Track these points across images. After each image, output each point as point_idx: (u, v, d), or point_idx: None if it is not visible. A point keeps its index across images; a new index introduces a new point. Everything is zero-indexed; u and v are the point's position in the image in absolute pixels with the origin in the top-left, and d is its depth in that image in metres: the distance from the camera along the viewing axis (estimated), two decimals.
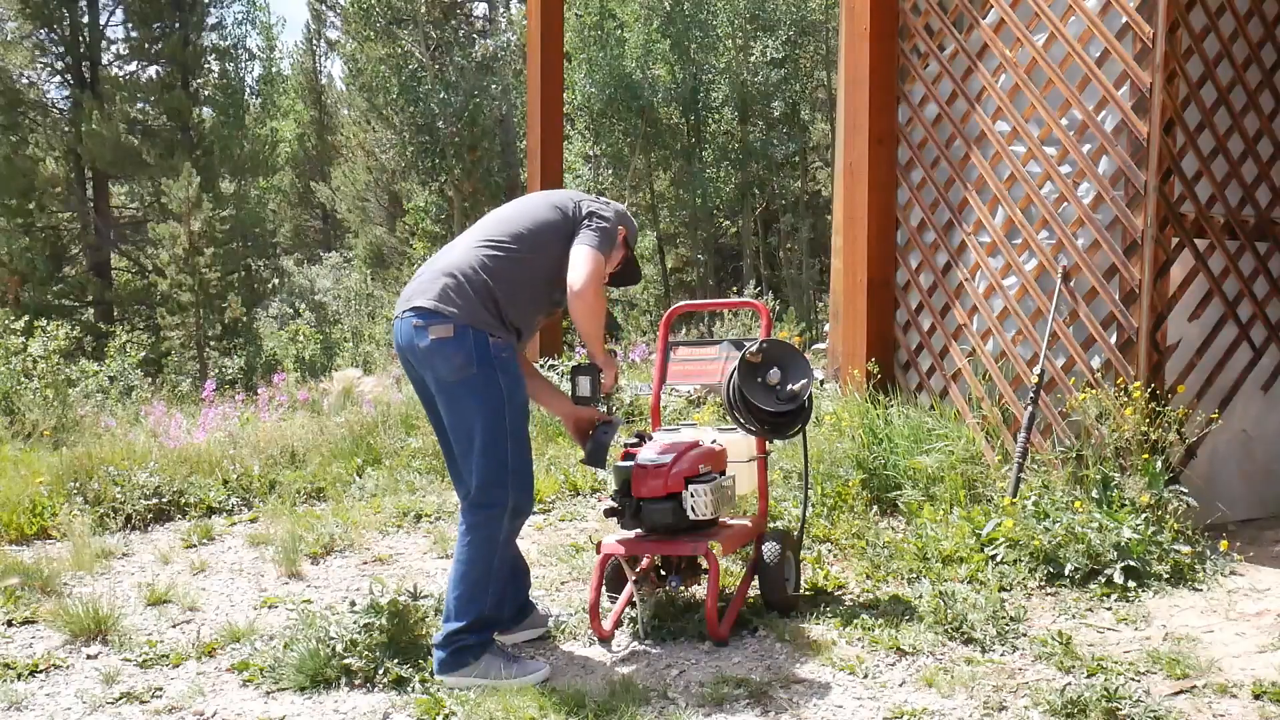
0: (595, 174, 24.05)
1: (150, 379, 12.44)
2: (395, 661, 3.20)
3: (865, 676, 3.12)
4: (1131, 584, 3.74)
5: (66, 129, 22.83)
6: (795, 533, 3.83)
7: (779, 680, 3.10)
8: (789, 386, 3.45)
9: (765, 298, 14.92)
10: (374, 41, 22.97)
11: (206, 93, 24.63)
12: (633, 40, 23.49)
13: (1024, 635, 3.38)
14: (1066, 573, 3.81)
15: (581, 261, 3.24)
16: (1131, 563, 3.79)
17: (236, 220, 22.11)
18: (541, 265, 3.28)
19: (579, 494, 5.24)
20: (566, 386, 3.83)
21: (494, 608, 3.19)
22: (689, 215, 24.98)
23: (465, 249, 3.28)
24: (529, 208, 3.41)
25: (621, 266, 3.53)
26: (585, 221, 3.33)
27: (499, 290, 3.19)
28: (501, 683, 3.07)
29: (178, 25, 23.59)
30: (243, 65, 26.87)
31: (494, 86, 22.49)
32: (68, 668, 3.46)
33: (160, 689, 3.23)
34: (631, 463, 3.43)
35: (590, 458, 3.46)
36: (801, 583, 3.79)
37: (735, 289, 16.13)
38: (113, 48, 24.29)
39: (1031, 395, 4.45)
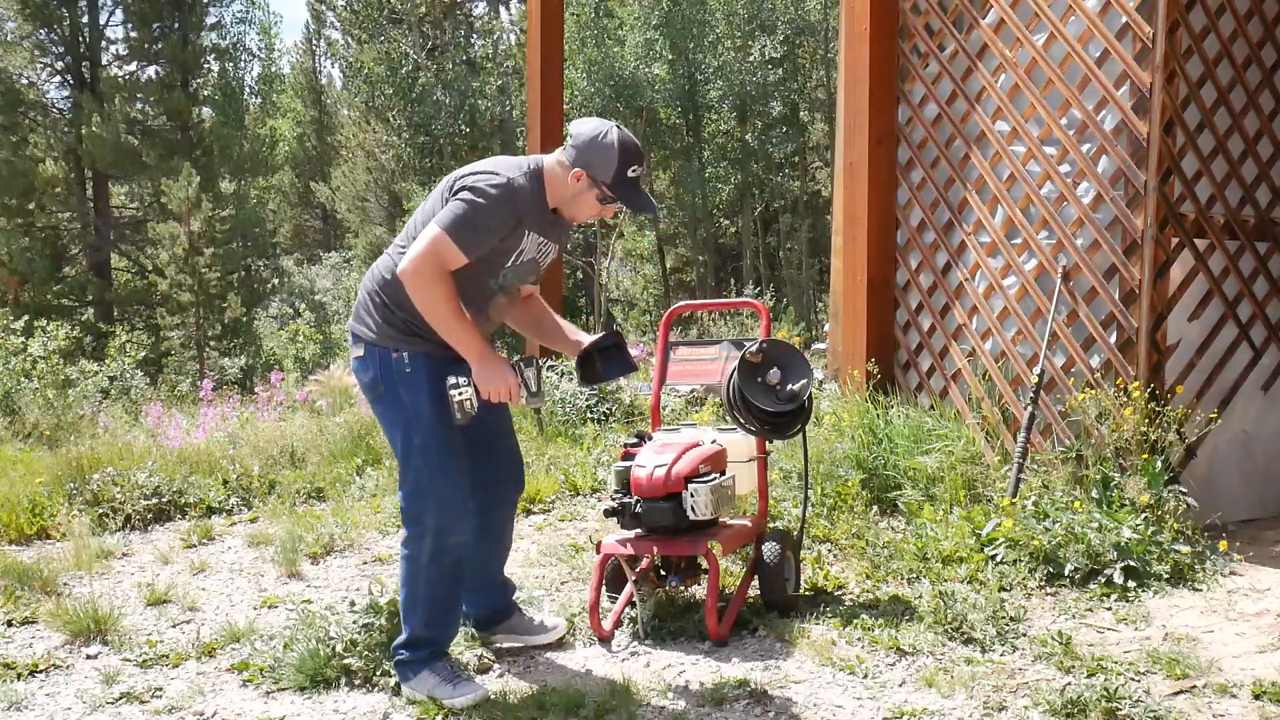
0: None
1: (150, 379, 12.44)
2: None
3: (865, 676, 3.12)
4: (1131, 584, 3.74)
5: (66, 129, 22.84)
6: (795, 533, 3.83)
7: (779, 680, 3.10)
8: (789, 386, 3.44)
9: (765, 298, 14.92)
10: (370, 42, 22.97)
11: (206, 93, 24.63)
12: (631, 40, 23.49)
13: (1024, 635, 3.38)
14: (1066, 573, 3.81)
15: (415, 244, 2.90)
16: (1131, 563, 3.79)
17: (236, 220, 22.11)
18: None
19: (579, 494, 5.24)
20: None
21: (425, 628, 3.07)
22: (688, 215, 24.99)
23: (383, 255, 3.15)
24: (430, 198, 3.10)
25: (617, 198, 3.04)
26: (450, 198, 2.95)
27: (390, 298, 3.02)
28: (435, 699, 3.02)
29: (177, 25, 23.59)
30: (242, 65, 26.91)
31: (492, 86, 22.49)
32: (68, 668, 3.46)
33: (160, 689, 3.23)
34: (631, 463, 3.44)
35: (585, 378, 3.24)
36: (801, 583, 3.79)
37: (735, 289, 16.13)
38: (113, 48, 24.31)
39: (1031, 395, 4.45)
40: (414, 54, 22.06)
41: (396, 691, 3.11)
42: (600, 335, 3.27)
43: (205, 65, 24.63)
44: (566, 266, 12.96)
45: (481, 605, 3.44)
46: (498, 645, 3.44)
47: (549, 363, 6.65)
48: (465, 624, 3.44)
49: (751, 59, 23.49)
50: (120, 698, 3.18)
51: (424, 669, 3.07)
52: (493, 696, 3.04)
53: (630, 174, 3.02)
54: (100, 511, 5.24)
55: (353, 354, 3.10)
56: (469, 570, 3.25)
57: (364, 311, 3.09)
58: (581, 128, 3.05)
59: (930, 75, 5.31)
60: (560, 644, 3.45)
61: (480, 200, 2.90)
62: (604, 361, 3.22)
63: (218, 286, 20.30)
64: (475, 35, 23.69)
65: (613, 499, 3.46)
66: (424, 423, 2.99)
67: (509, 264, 3.06)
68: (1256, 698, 2.90)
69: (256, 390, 8.06)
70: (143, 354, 13.50)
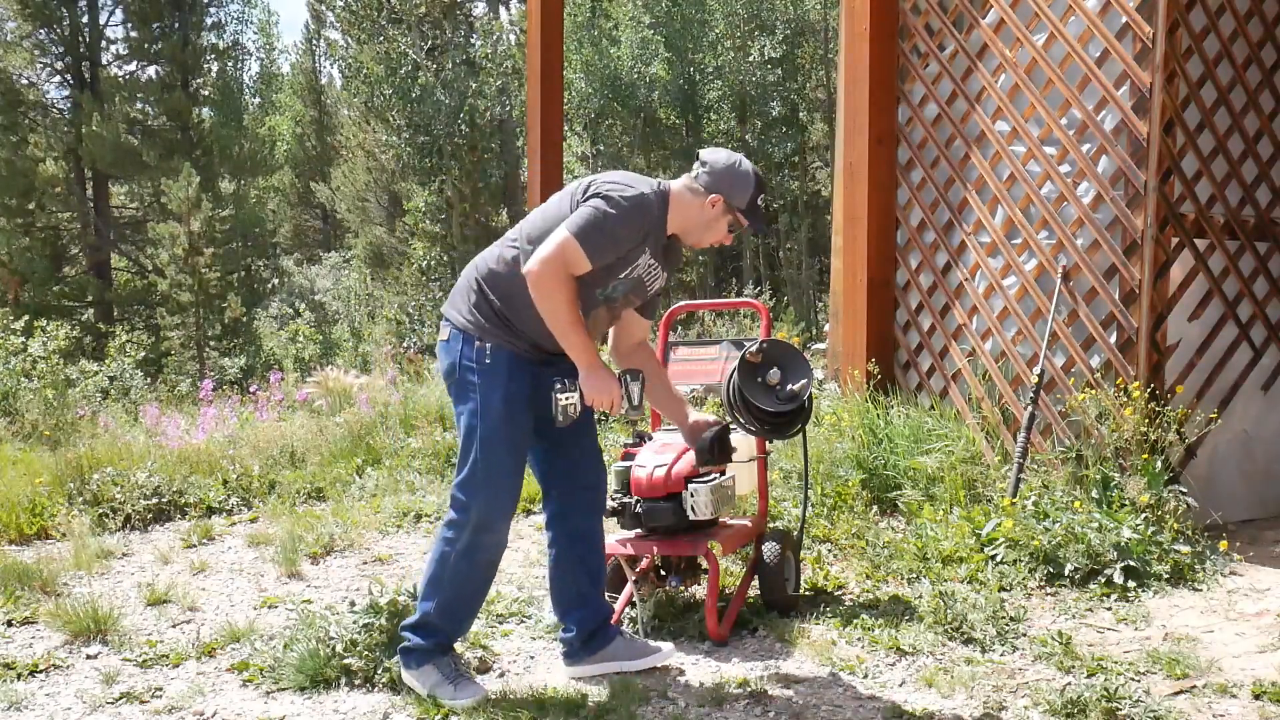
0: (592, 175, 24.00)
1: (149, 379, 12.44)
2: (395, 661, 3.19)
3: (865, 676, 3.12)
4: (1131, 584, 3.74)
5: (66, 129, 22.84)
6: (795, 533, 3.83)
7: (779, 680, 3.10)
8: (789, 386, 3.44)
9: (765, 298, 14.92)
10: (369, 42, 22.97)
11: (206, 93, 24.63)
12: (627, 40, 23.49)
13: (1024, 635, 3.38)
14: (1066, 573, 3.81)
15: (544, 245, 2.90)
16: (1131, 563, 3.79)
17: (236, 220, 22.12)
18: None
19: None
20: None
21: (439, 615, 3.02)
22: None
23: (492, 246, 3.13)
24: (554, 199, 3.10)
25: (749, 223, 3.09)
26: (582, 203, 2.96)
27: (490, 289, 3.02)
28: (435, 696, 2.98)
29: (177, 25, 23.60)
30: (240, 64, 26.92)
31: (492, 86, 22.48)
32: (68, 668, 3.45)
33: (160, 689, 3.23)
34: (631, 463, 3.44)
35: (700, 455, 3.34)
36: (801, 583, 3.79)
37: (735, 289, 16.11)
38: (112, 48, 24.32)
39: (1031, 395, 4.45)
40: (413, 54, 22.05)
41: (396, 691, 3.11)
42: (715, 425, 3.38)
43: (205, 65, 24.64)
44: None
45: (586, 621, 3.21)
46: (597, 674, 3.21)
47: None
48: (560, 648, 3.29)
49: (751, 59, 23.48)
50: (120, 698, 3.18)
51: (428, 662, 3.03)
52: (492, 698, 3.03)
53: (760, 201, 3.10)
54: (100, 511, 5.24)
55: (440, 336, 3.10)
56: (565, 589, 3.22)
57: (459, 297, 3.07)
58: (715, 156, 3.11)
59: (930, 75, 5.31)
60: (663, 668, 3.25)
61: (613, 210, 2.92)
62: (720, 449, 3.34)
63: (218, 286, 20.31)
64: (475, 35, 23.67)
65: (613, 499, 3.46)
66: (491, 417, 2.98)
67: (619, 277, 3.03)
68: (1256, 698, 2.90)
69: (256, 390, 8.05)
70: (143, 354, 13.50)
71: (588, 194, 2.98)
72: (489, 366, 2.99)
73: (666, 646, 3.31)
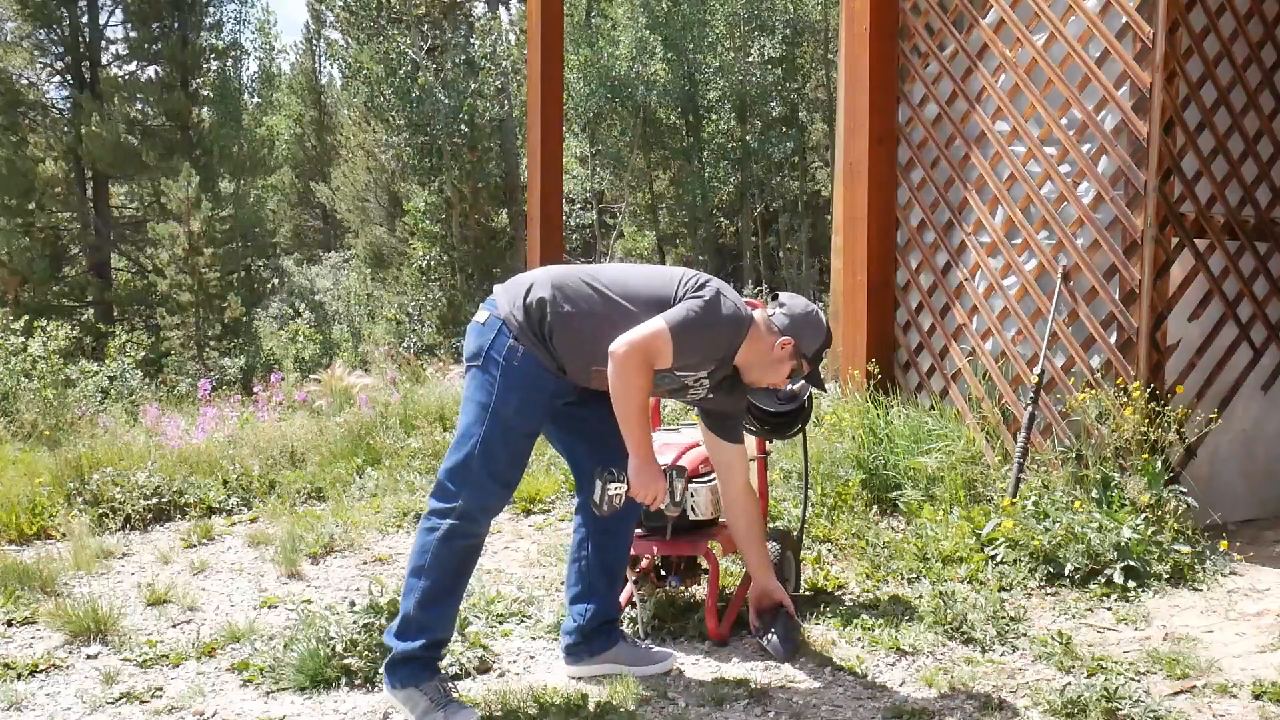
0: (591, 175, 24.06)
1: (149, 379, 12.44)
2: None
3: (865, 676, 3.12)
4: (1131, 584, 3.74)
5: (66, 129, 22.83)
6: (795, 533, 3.83)
7: (779, 680, 3.10)
8: (789, 386, 3.44)
9: (765, 298, 14.92)
10: (368, 43, 22.98)
11: (205, 93, 24.63)
12: (625, 39, 23.50)
13: (1024, 635, 3.38)
14: (1066, 573, 3.81)
15: (639, 327, 2.87)
16: (1131, 563, 3.79)
17: (236, 220, 22.11)
18: (622, 316, 2.93)
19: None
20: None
21: (419, 608, 2.92)
22: (688, 215, 25.00)
23: (568, 268, 3.08)
24: (650, 271, 3.13)
25: (809, 372, 3.16)
26: (682, 298, 2.95)
27: (553, 310, 2.93)
28: None
29: (177, 25, 23.60)
30: (239, 64, 26.92)
31: (491, 86, 22.48)
32: (68, 668, 3.45)
33: (160, 689, 3.23)
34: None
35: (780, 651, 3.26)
36: (801, 583, 3.79)
37: (735, 289, 16.11)
38: (112, 48, 24.30)
39: (1031, 395, 4.45)
40: (413, 54, 22.06)
41: None
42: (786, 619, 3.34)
43: (205, 65, 24.63)
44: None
45: (592, 616, 3.19)
46: (595, 674, 3.20)
47: None
48: (561, 644, 3.26)
49: (751, 59, 23.50)
50: (120, 698, 3.18)
51: (413, 685, 2.89)
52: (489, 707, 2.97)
53: (823, 354, 3.17)
54: (100, 511, 5.24)
55: (477, 317, 3.02)
56: (585, 571, 3.19)
57: (514, 289, 3.01)
58: (795, 301, 3.15)
59: (930, 75, 5.31)
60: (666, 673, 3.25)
61: (714, 319, 2.94)
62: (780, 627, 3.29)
63: (217, 286, 20.31)
64: (474, 35, 23.68)
65: None
66: (501, 417, 2.92)
67: (669, 371, 3.00)
68: (1256, 698, 2.90)
69: (258, 390, 8.06)
70: (143, 354, 13.49)
71: (698, 286, 2.98)
72: (516, 367, 2.93)
73: (669, 654, 3.28)
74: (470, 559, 3.03)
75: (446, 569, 2.96)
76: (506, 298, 3.00)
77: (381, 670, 3.00)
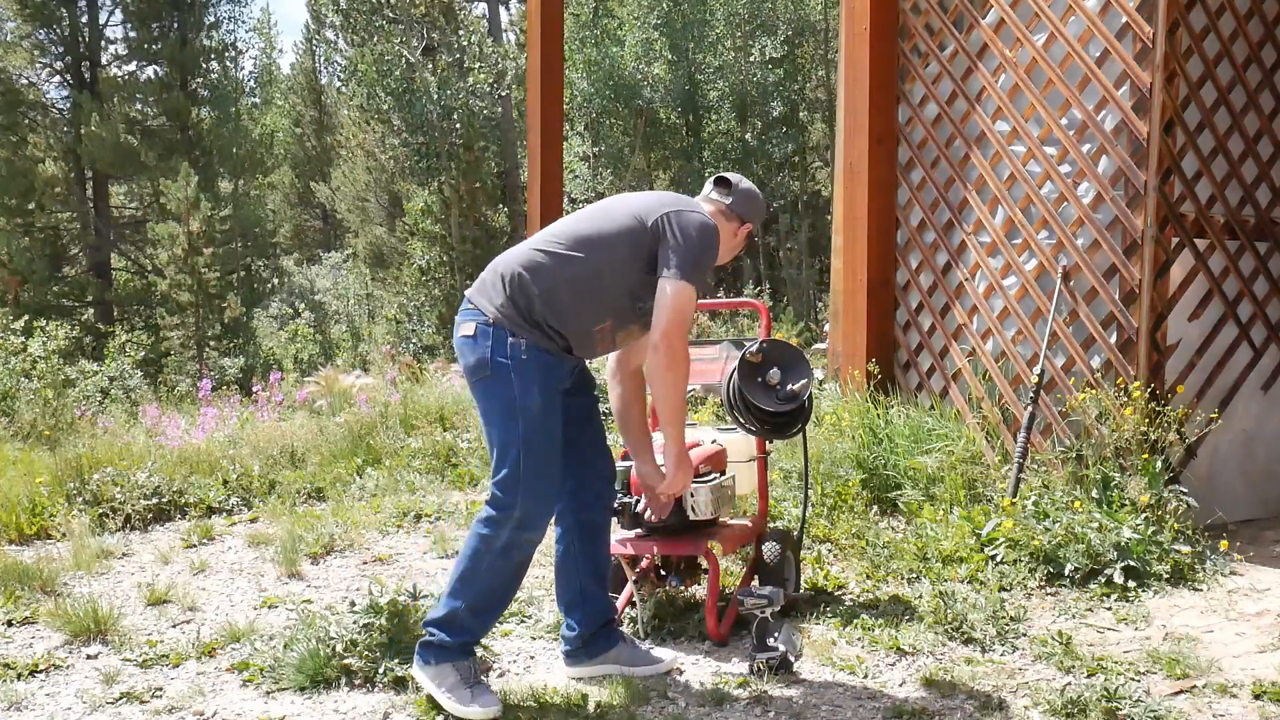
0: (594, 174, 24.05)
1: (149, 379, 12.43)
2: (395, 661, 3.19)
3: (865, 676, 3.12)
4: (1131, 584, 3.74)
5: (66, 129, 22.85)
6: (795, 533, 3.83)
7: (779, 680, 3.09)
8: (789, 386, 3.44)
9: (764, 298, 14.93)
10: (366, 44, 22.97)
11: (204, 93, 24.63)
12: (630, 40, 23.49)
13: (1024, 635, 3.38)
14: (1066, 573, 3.81)
15: (665, 297, 2.87)
16: (1131, 563, 3.79)
17: (235, 220, 22.12)
18: (599, 268, 2.96)
19: None
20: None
21: (470, 613, 2.94)
22: None
23: (522, 246, 3.06)
24: (602, 210, 3.11)
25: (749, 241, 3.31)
26: (670, 237, 2.95)
27: (538, 287, 2.92)
28: (443, 698, 2.89)
29: (176, 25, 23.60)
30: (237, 63, 26.91)
31: (486, 84, 22.48)
32: (68, 668, 3.45)
33: (160, 689, 3.23)
34: (632, 463, 3.43)
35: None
36: (801, 583, 3.79)
37: (735, 289, 16.12)
38: (112, 48, 24.32)
39: (1031, 395, 4.45)
40: (410, 55, 22.06)
41: (397, 691, 3.11)
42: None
43: (204, 65, 24.63)
44: None
45: (588, 620, 3.19)
46: (597, 674, 3.19)
47: None
48: (561, 649, 3.25)
49: (751, 59, 23.49)
50: (120, 698, 3.18)
51: (448, 661, 2.94)
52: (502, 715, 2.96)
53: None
54: (100, 511, 5.24)
55: (460, 331, 2.98)
56: (570, 584, 3.19)
57: (490, 288, 2.98)
58: (741, 182, 3.24)
59: (930, 75, 5.31)
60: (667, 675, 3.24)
61: (708, 243, 3.00)
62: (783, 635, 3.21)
63: (217, 286, 20.31)
64: (474, 35, 23.68)
65: None
66: (532, 414, 2.90)
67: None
68: (1256, 698, 2.90)
69: (258, 390, 8.05)
70: (142, 354, 13.49)
71: (668, 222, 2.98)
72: (525, 362, 2.90)
73: (669, 655, 3.28)
74: (524, 571, 3.05)
75: (500, 579, 2.98)
76: (487, 300, 2.97)
77: (417, 646, 3.00)
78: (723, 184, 3.23)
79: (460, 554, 3.01)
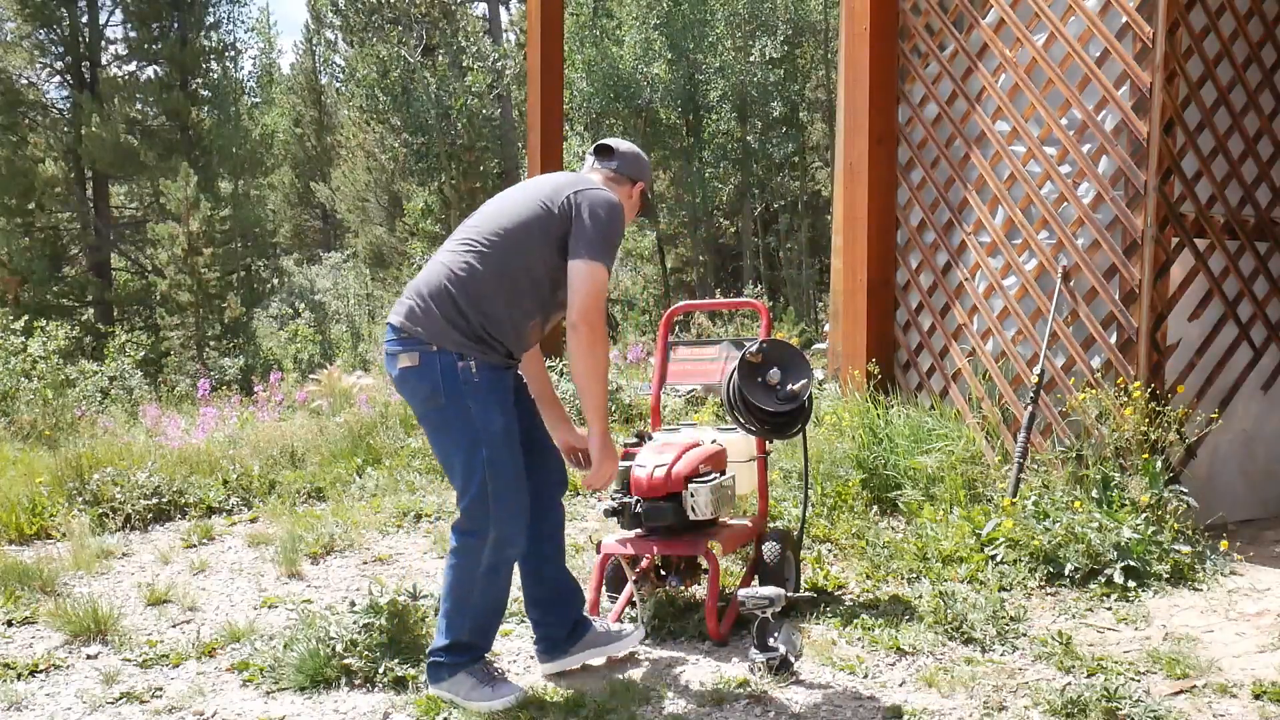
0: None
1: (149, 379, 12.43)
2: (395, 661, 3.20)
3: (865, 676, 3.12)
4: (1131, 584, 3.74)
5: (66, 129, 22.84)
6: (795, 533, 3.83)
7: (779, 680, 3.09)
8: (789, 386, 3.44)
9: (764, 298, 14.93)
10: (365, 45, 22.97)
11: (204, 93, 24.63)
12: (630, 39, 23.48)
13: (1024, 635, 3.38)
14: (1066, 573, 3.81)
15: (580, 280, 2.88)
16: (1131, 563, 3.79)
17: (235, 220, 22.11)
18: (519, 264, 2.94)
19: (579, 494, 5.24)
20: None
21: (472, 634, 2.98)
22: (689, 215, 24.98)
23: (438, 257, 3.01)
24: (505, 204, 3.06)
25: (645, 204, 3.28)
26: (577, 219, 2.94)
27: (465, 300, 2.89)
28: (467, 703, 2.92)
29: (176, 25, 23.59)
30: (239, 63, 26.93)
31: (488, 86, 22.48)
32: (68, 668, 3.46)
33: (160, 689, 3.23)
34: (631, 463, 3.44)
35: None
36: (801, 583, 3.79)
37: (735, 289, 16.11)
38: (112, 48, 24.30)
39: (1031, 395, 4.45)
40: (409, 55, 22.06)
41: (396, 691, 3.11)
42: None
43: (204, 65, 24.63)
44: None
45: (560, 619, 3.21)
46: (580, 665, 3.25)
47: (548, 362, 6.64)
48: (535, 649, 3.26)
49: (751, 59, 23.48)
50: (120, 698, 3.18)
51: (460, 671, 2.97)
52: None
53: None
54: (100, 511, 5.24)
55: (400, 363, 2.90)
56: (543, 584, 3.19)
57: (420, 313, 2.90)
58: (621, 145, 3.24)
59: (930, 75, 5.31)
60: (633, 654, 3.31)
61: (610, 218, 2.97)
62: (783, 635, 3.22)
63: (217, 286, 20.31)
64: (473, 35, 23.68)
65: (613, 499, 3.46)
66: (494, 437, 2.88)
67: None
68: (1256, 698, 2.90)
69: (259, 390, 8.05)
70: (142, 354, 13.49)
71: (575, 204, 2.97)
72: (478, 385, 2.87)
73: (631, 628, 3.32)
74: (510, 576, 3.07)
75: (492, 596, 3.01)
76: (422, 328, 2.90)
77: (427, 668, 3.03)
78: (604, 151, 3.23)
79: (444, 587, 3.00)
